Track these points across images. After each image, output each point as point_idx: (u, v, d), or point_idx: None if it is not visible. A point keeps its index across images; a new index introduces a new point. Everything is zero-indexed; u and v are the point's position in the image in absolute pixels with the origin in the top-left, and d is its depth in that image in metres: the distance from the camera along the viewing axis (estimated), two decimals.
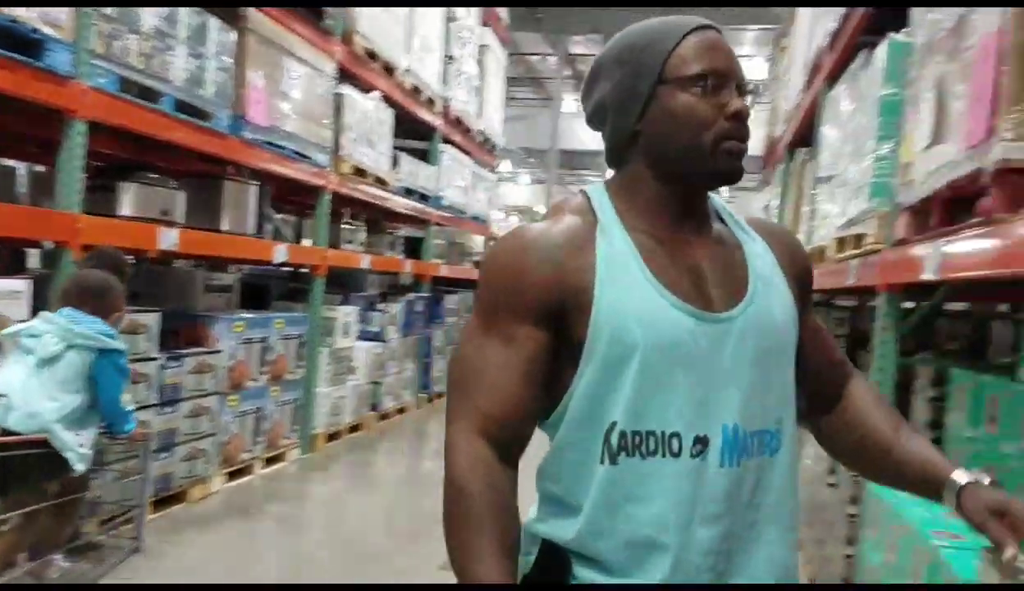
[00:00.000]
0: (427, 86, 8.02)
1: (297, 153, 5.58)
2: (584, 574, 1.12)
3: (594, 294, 1.11)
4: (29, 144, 5.12)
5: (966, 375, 2.65)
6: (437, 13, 8.17)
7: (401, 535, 4.69)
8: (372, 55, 6.69)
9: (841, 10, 4.46)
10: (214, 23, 4.53)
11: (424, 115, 8.22)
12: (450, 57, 8.63)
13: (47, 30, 3.39)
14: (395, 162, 7.51)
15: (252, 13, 4.95)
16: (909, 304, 3.21)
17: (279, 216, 6.83)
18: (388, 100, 7.12)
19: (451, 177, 9.17)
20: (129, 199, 4.31)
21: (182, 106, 4.32)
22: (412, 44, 7.49)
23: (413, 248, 8.81)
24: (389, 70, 7.10)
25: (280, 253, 5.59)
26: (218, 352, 4.96)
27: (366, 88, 6.72)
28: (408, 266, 8.35)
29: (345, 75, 6.32)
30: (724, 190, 25.87)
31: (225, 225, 5.03)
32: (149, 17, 4.01)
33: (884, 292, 2.94)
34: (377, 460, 6.75)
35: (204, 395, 4.83)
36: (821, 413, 1.33)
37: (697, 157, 1.15)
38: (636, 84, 1.18)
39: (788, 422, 1.20)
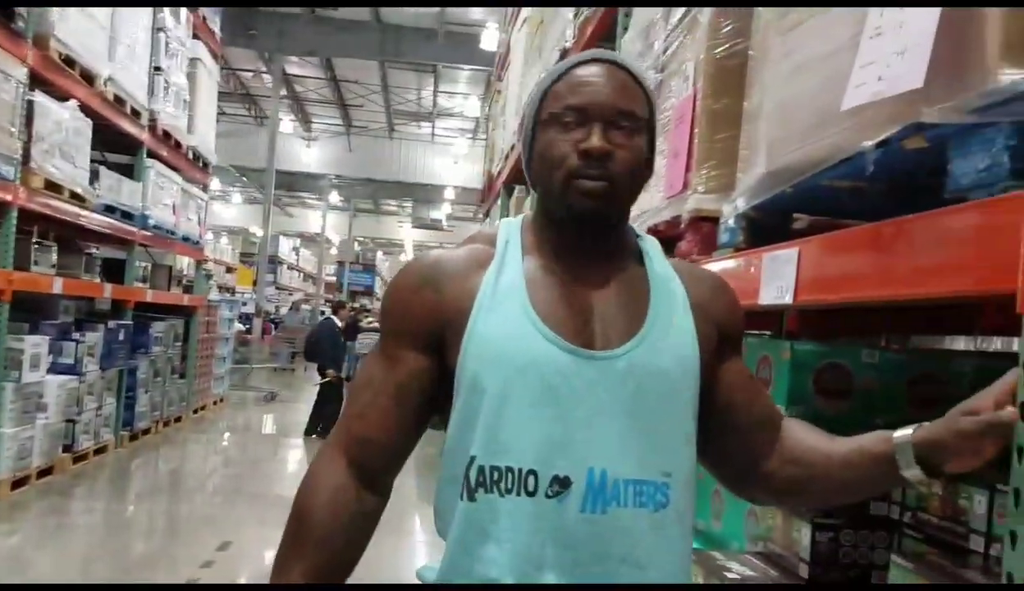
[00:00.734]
0: (132, 97, 7.48)
1: None
2: None
3: (468, 323, 1.09)
4: None
5: None
6: (144, 21, 7.67)
7: None
8: (70, 61, 6.12)
9: (552, 60, 4.83)
10: None
11: (128, 128, 7.64)
12: (158, 68, 8.12)
13: None
14: (95, 177, 6.88)
15: None
16: None
17: None
18: (87, 110, 6.53)
19: (159, 195, 8.58)
20: None
21: None
22: (116, 52, 6.95)
23: (114, 271, 8.10)
24: (89, 78, 6.53)
25: None
26: None
27: (62, 96, 6.12)
28: (108, 291, 7.66)
29: (38, 81, 5.71)
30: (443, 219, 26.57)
31: None
32: None
33: None
34: (71, 507, 6.09)
35: None
36: (760, 461, 1.21)
37: (554, 195, 1.14)
38: (528, 122, 1.19)
39: (681, 478, 1.11)
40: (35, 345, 6.10)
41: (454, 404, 1.11)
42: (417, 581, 1.20)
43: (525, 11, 6.42)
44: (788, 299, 1.47)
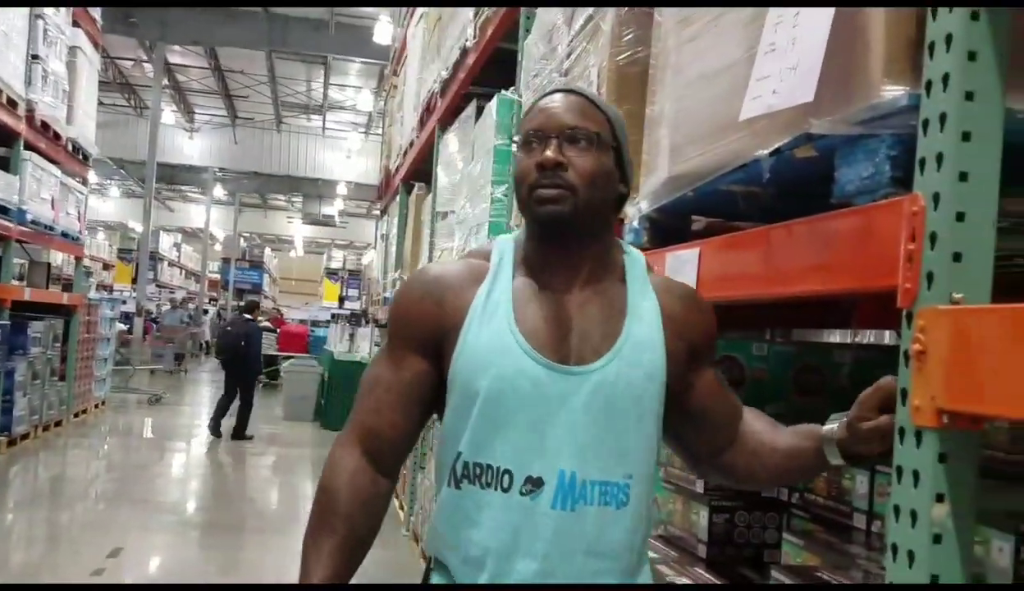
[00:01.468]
0: (8, 86, 7.10)
1: None
2: (436, 578, 1.29)
3: (461, 333, 1.24)
4: None
5: None
6: (21, 8, 7.25)
7: None
8: None
9: (452, 58, 4.87)
10: None
11: (4, 118, 7.24)
12: (36, 57, 7.70)
13: None
14: None
15: None
16: None
17: None
18: None
19: (36, 188, 8.15)
20: None
21: None
22: None
23: None
24: None
25: None
26: None
27: None
28: None
29: None
30: (334, 213, 26.10)
31: None
32: None
33: None
34: None
35: None
36: (719, 453, 1.34)
37: (524, 211, 1.28)
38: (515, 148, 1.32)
39: (641, 479, 1.24)
40: None
41: (448, 402, 1.27)
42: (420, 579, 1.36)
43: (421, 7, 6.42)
44: None
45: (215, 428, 9.58)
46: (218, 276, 29.08)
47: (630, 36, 2.16)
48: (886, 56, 1.08)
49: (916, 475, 0.91)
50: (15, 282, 8.02)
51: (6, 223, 7.44)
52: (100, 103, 10.36)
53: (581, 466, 1.19)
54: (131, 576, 4.75)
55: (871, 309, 2.05)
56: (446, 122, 5.25)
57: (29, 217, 7.95)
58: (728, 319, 2.50)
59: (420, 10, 6.50)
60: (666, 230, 1.88)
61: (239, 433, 9.58)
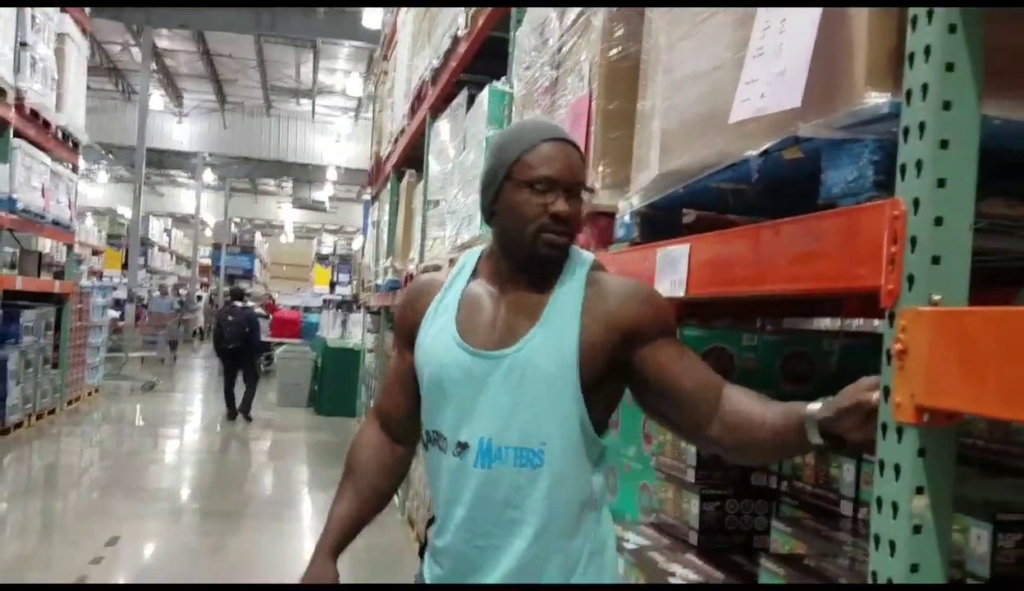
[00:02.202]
0: None
1: None
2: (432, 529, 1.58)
3: (420, 331, 1.55)
4: None
5: None
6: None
7: None
8: None
9: (444, 46, 4.87)
10: None
11: None
12: (24, 43, 7.66)
13: None
14: None
15: None
16: None
17: None
18: None
19: (27, 177, 8.12)
20: None
21: None
22: None
23: None
24: None
25: None
26: None
27: None
28: None
29: None
30: (324, 199, 25.98)
31: None
32: None
33: None
34: None
35: None
36: (703, 426, 1.43)
37: (522, 243, 1.47)
38: (494, 174, 1.50)
39: (558, 446, 1.45)
40: None
41: (420, 385, 1.57)
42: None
43: None
44: (680, 292, 1.61)
45: (232, 414, 10.12)
46: (209, 262, 28.98)
47: (621, 31, 2.18)
48: (869, 65, 1.11)
49: (897, 469, 0.95)
50: (6, 271, 7.99)
51: None
52: (88, 88, 10.29)
53: (498, 434, 1.44)
54: (130, 564, 4.79)
55: (859, 299, 2.10)
56: (437, 110, 5.24)
57: (20, 206, 7.93)
58: (719, 309, 2.55)
59: None
60: (656, 224, 1.91)
61: (246, 411, 10.17)
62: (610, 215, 2.19)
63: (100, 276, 20.91)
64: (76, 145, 10.08)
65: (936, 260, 0.94)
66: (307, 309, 19.02)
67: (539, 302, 1.48)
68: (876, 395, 1.03)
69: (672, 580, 1.67)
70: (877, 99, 1.10)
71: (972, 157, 0.95)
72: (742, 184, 1.56)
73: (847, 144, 1.19)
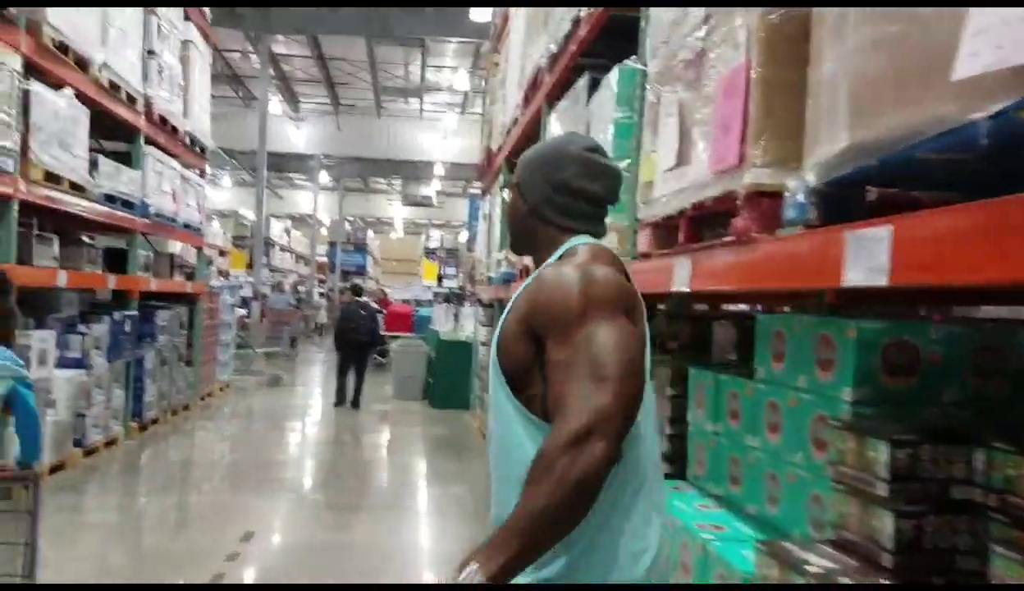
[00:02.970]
0: (126, 82, 7.31)
1: None
2: None
3: None
4: None
5: (704, 374, 2.91)
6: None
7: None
8: (63, 48, 5.96)
9: (563, 30, 4.71)
10: None
11: (124, 114, 7.48)
12: (151, 52, 7.93)
13: None
14: (93, 166, 6.75)
15: None
16: None
17: None
18: (83, 98, 6.38)
19: (158, 182, 8.44)
20: None
21: None
22: (108, 37, 6.78)
23: (116, 260, 7.98)
24: (83, 65, 6.37)
25: None
26: None
27: (57, 84, 5.97)
28: (112, 282, 7.55)
29: (32, 69, 5.56)
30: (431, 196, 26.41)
31: None
32: None
33: None
34: (85, 503, 6.01)
35: None
36: None
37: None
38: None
39: (500, 422, 1.58)
40: (42, 340, 6.00)
41: None
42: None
43: None
44: (882, 281, 1.39)
45: (341, 402, 10.78)
46: (325, 259, 29.85)
47: None
48: None
49: None
50: (141, 273, 8.33)
51: (131, 217, 7.73)
52: (211, 96, 10.64)
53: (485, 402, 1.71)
54: (264, 561, 4.86)
55: None
56: (554, 97, 5.11)
57: (152, 210, 8.24)
58: (875, 297, 2.29)
59: None
60: (835, 204, 1.70)
61: (357, 402, 10.74)
62: (773, 195, 1.98)
63: (227, 276, 21.76)
64: (203, 150, 10.44)
65: None
66: (417, 303, 19.25)
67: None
68: None
69: None
70: None
71: None
72: (958, 153, 1.33)
73: None
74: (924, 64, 1.29)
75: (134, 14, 7.46)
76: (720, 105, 2.19)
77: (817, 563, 1.72)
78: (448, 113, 24.16)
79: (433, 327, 13.37)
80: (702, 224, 2.51)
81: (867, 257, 1.43)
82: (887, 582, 1.59)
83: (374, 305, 11.82)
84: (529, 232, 1.74)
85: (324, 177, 27.60)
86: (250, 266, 20.87)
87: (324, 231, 31.41)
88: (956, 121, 1.22)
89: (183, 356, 9.67)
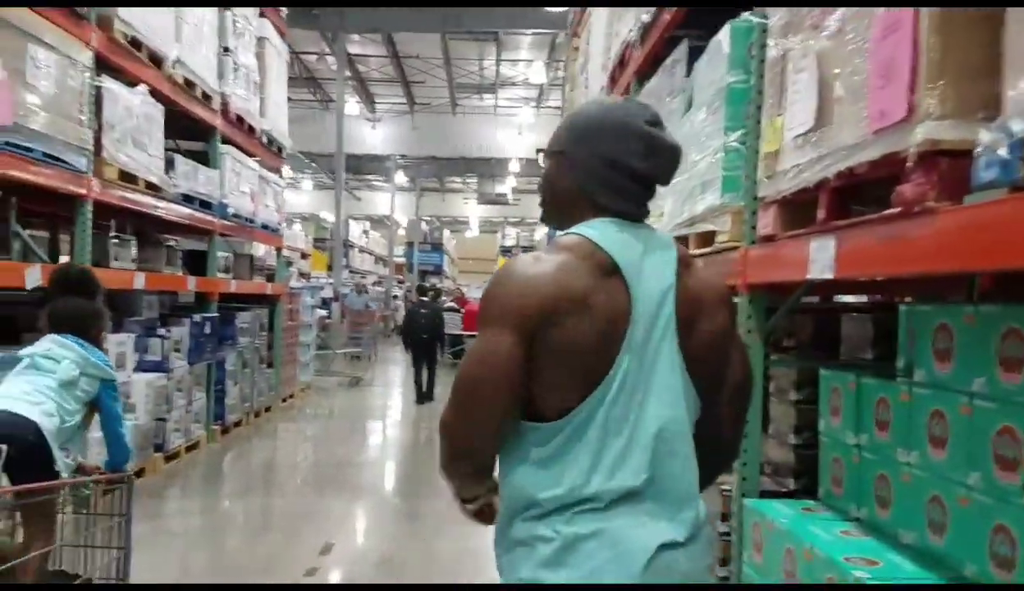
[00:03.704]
0: (202, 80, 7.21)
1: (48, 156, 4.70)
2: None
3: None
4: None
5: (841, 376, 2.51)
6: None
7: None
8: (136, 43, 5.85)
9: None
10: None
11: (200, 112, 7.39)
12: (226, 49, 7.83)
13: None
14: (170, 165, 6.66)
15: None
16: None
17: (27, 231, 5.77)
18: (157, 95, 6.28)
19: (236, 182, 8.35)
20: None
21: None
22: (182, 33, 6.68)
23: (195, 262, 7.91)
24: (156, 61, 6.27)
25: (32, 276, 4.67)
26: None
27: (131, 81, 5.87)
28: (192, 283, 7.48)
29: (104, 66, 5.46)
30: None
31: None
32: None
33: (746, 293, 2.75)
34: (166, 509, 5.89)
35: None
36: None
37: None
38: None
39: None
40: (120, 344, 5.91)
41: None
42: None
43: None
44: None
45: (421, 398, 10.96)
46: (403, 259, 29.97)
47: None
48: None
49: None
50: (221, 275, 8.26)
51: (210, 218, 7.65)
52: (289, 99, 10.57)
53: None
54: (342, 576, 4.62)
55: None
56: (644, 73, 4.75)
57: (231, 211, 8.16)
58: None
59: None
60: None
61: (430, 396, 10.98)
62: (955, 154, 1.59)
63: (308, 277, 21.95)
64: (280, 150, 10.35)
65: None
66: None
67: None
68: None
69: None
70: None
71: None
72: None
73: None
74: None
75: (209, 11, 7.35)
76: (878, 47, 1.79)
77: None
78: (523, 108, 23.85)
79: None
80: (847, 197, 2.11)
81: None
82: None
83: (447, 304, 12.03)
84: (567, 205, 1.58)
85: (400, 178, 27.65)
86: (330, 268, 20.98)
87: (401, 232, 31.54)
88: None
89: (264, 358, 9.60)
